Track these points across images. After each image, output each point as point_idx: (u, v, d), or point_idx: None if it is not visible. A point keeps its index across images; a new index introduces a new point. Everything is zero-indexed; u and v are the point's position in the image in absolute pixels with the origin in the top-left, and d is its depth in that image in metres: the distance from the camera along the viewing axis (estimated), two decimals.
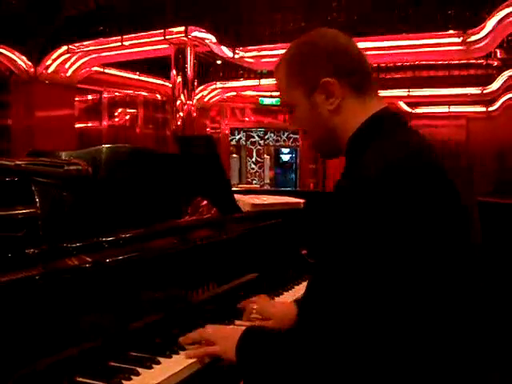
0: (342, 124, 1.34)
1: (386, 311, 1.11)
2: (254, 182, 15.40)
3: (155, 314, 1.61)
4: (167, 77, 9.78)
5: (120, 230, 1.70)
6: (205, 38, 8.53)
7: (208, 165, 2.25)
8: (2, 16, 8.37)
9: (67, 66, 9.52)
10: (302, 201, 2.68)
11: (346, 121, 1.33)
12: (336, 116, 1.34)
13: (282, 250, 2.48)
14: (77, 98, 10.79)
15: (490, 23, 7.20)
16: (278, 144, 15.84)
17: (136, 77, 11.56)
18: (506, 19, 7.06)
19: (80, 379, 1.30)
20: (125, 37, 8.61)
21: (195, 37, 8.43)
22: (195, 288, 1.80)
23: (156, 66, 11.02)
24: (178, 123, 8.98)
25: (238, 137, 15.56)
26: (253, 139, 15.71)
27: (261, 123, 15.07)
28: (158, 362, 1.41)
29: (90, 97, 11.68)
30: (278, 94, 1.45)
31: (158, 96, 12.82)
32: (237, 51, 9.08)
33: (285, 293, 2.18)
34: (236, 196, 2.36)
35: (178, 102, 8.92)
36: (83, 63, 9.63)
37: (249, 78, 11.69)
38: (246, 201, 2.38)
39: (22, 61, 9.13)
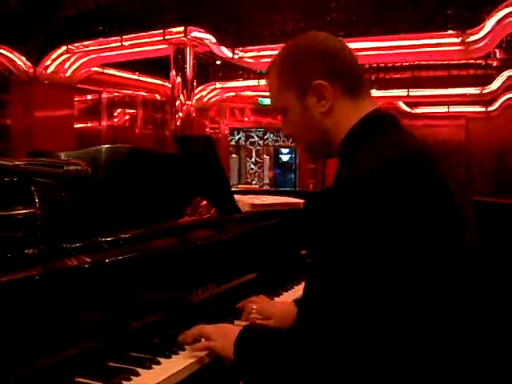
0: (334, 126, 1.34)
1: (381, 311, 1.11)
2: (254, 182, 15.40)
3: (155, 314, 1.61)
4: (166, 77, 9.78)
5: (119, 230, 1.71)
6: (204, 39, 8.53)
7: (207, 165, 2.25)
8: (1, 16, 8.37)
9: (66, 66, 9.52)
10: (301, 201, 2.68)
11: (338, 123, 1.34)
12: (328, 118, 1.34)
13: (281, 251, 2.48)
14: (76, 98, 10.79)
15: (489, 23, 7.20)
16: (277, 144, 15.83)
17: (135, 77, 11.55)
18: (505, 19, 7.06)
19: (80, 379, 1.30)
20: (124, 37, 8.61)
21: (195, 37, 8.43)
22: (195, 288, 1.80)
23: (155, 66, 11.01)
24: (178, 123, 8.98)
25: (237, 137, 15.56)
26: (252, 139, 15.71)
27: (260, 123, 15.06)
28: (158, 363, 1.41)
29: (89, 97, 11.68)
30: None
31: (158, 96, 12.82)
32: (236, 51, 9.08)
33: (284, 293, 2.18)
34: (235, 196, 2.36)
35: (178, 103, 8.92)
36: (82, 63, 9.62)
37: (248, 78, 11.68)
38: (245, 201, 2.38)
39: (21, 61, 9.12)
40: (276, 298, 2.08)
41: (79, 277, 1.40)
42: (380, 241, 1.10)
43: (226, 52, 8.98)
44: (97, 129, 11.78)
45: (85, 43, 9.06)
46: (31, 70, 9.28)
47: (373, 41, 8.04)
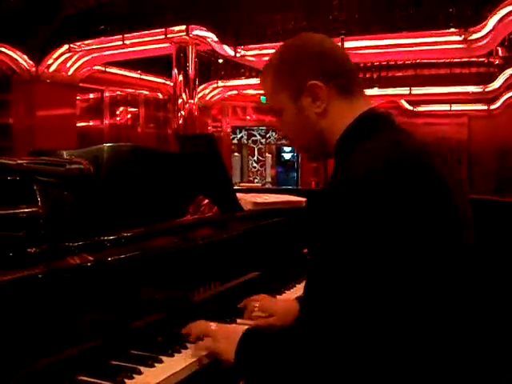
0: (329, 126, 1.35)
1: (379, 310, 1.11)
2: (256, 180, 15.39)
3: (157, 313, 1.62)
4: (169, 76, 9.76)
5: (122, 228, 1.71)
6: (206, 37, 8.51)
7: (210, 163, 2.26)
8: (2, 15, 8.36)
9: (68, 64, 9.51)
10: (303, 199, 2.68)
11: (333, 123, 1.34)
12: (323, 119, 1.34)
13: (283, 249, 2.48)
14: (78, 97, 10.79)
15: (492, 21, 7.18)
16: (279, 142, 15.82)
17: (137, 76, 11.54)
18: (508, 17, 7.04)
19: (82, 378, 1.30)
20: (126, 36, 8.60)
21: (196, 35, 8.42)
22: (197, 287, 1.80)
23: (157, 64, 11.01)
24: (180, 122, 8.97)
25: (239, 135, 15.55)
26: (254, 138, 15.70)
27: (262, 122, 15.05)
28: (161, 361, 1.41)
29: (91, 96, 11.67)
30: None
31: (160, 95, 12.81)
32: (238, 50, 9.07)
33: (286, 291, 2.18)
34: (238, 194, 2.36)
35: (180, 101, 8.91)
36: (84, 62, 9.61)
37: (250, 76, 11.67)
38: (247, 199, 2.38)
39: (23, 60, 9.11)
40: (278, 297, 2.08)
41: (81, 275, 1.40)
42: (378, 239, 1.10)
43: (227, 50, 8.96)
44: (99, 127, 11.78)
45: (86, 42, 9.05)
46: (33, 69, 9.28)
47: (374, 39, 8.02)
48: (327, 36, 1.42)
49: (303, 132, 1.39)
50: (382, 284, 1.10)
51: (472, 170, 13.56)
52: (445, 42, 7.86)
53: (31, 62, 9.23)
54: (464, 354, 1.21)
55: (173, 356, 1.45)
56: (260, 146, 15.75)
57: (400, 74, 11.60)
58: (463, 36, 7.61)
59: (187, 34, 8.28)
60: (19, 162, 1.47)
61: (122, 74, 11.20)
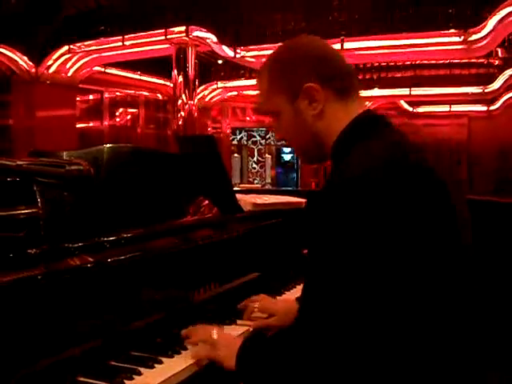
0: (325, 129, 1.35)
1: (376, 309, 1.12)
2: (256, 181, 15.39)
3: (157, 314, 1.62)
4: (168, 77, 9.76)
5: (121, 229, 1.71)
6: (206, 38, 8.51)
7: (209, 164, 2.25)
8: (2, 16, 8.36)
9: (68, 65, 9.51)
10: (303, 200, 2.68)
11: (329, 125, 1.35)
12: (319, 121, 1.35)
13: (283, 250, 2.48)
14: (78, 98, 10.79)
15: (491, 22, 7.18)
16: (279, 143, 15.80)
17: (137, 77, 11.54)
18: (507, 18, 7.04)
19: (82, 379, 1.30)
20: (126, 37, 8.59)
21: (196, 36, 8.42)
22: (197, 288, 1.80)
23: (157, 65, 11.01)
24: (180, 123, 8.97)
25: (239, 136, 15.55)
26: (254, 139, 15.70)
27: (262, 123, 15.04)
28: (160, 362, 1.41)
29: (91, 97, 11.68)
30: None
31: (160, 96, 12.81)
32: (238, 51, 9.07)
33: (286, 292, 2.18)
34: (237, 195, 2.36)
35: (180, 102, 8.91)
36: (84, 63, 9.61)
37: (250, 77, 11.67)
38: (247, 200, 2.38)
39: (23, 61, 9.11)
40: (278, 298, 2.08)
41: (81, 276, 1.40)
42: (376, 238, 1.10)
43: (227, 51, 8.97)
44: (99, 128, 11.78)
45: (86, 43, 9.05)
46: (33, 70, 9.28)
47: (374, 40, 8.02)
48: (323, 39, 1.43)
49: (300, 134, 1.39)
50: (379, 283, 1.11)
51: (472, 170, 13.57)
52: (444, 42, 7.87)
53: (31, 63, 9.23)
54: (462, 353, 1.21)
55: (172, 357, 1.45)
56: (260, 146, 15.75)
57: (400, 74, 11.61)
58: (463, 37, 7.61)
59: (187, 35, 8.28)
60: (19, 163, 1.47)
61: (121, 75, 11.20)
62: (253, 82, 11.63)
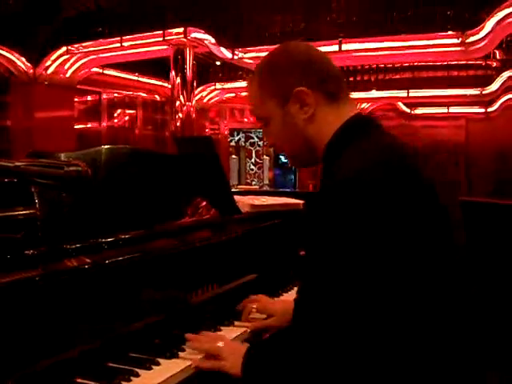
0: (316, 133, 1.36)
1: (370, 310, 1.13)
2: (254, 182, 15.38)
3: (155, 315, 1.61)
4: (166, 78, 9.77)
5: (120, 230, 1.71)
6: (204, 39, 8.52)
7: (207, 166, 2.25)
8: (1, 17, 8.36)
9: (66, 66, 9.50)
10: (301, 202, 2.68)
11: (320, 129, 1.36)
12: (310, 124, 1.36)
13: (281, 251, 2.48)
14: (76, 99, 10.78)
15: (489, 24, 7.19)
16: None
17: (135, 78, 11.53)
18: (505, 20, 7.05)
19: (80, 380, 1.30)
20: (124, 38, 8.59)
21: (194, 38, 8.42)
22: (195, 289, 1.80)
23: (155, 67, 11.00)
24: (177, 124, 8.96)
25: (237, 138, 15.55)
26: (252, 140, 15.70)
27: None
28: (158, 363, 1.41)
29: (89, 98, 11.68)
30: None
31: (157, 97, 12.80)
32: (236, 52, 9.08)
33: (284, 293, 2.18)
34: (235, 197, 2.36)
35: (177, 103, 8.90)
36: (82, 64, 9.60)
37: (248, 79, 11.67)
38: (245, 202, 2.38)
39: (21, 62, 9.10)
40: (276, 299, 2.08)
41: (79, 278, 1.40)
42: (368, 238, 1.11)
43: (225, 53, 8.97)
44: (97, 129, 11.78)
45: (84, 44, 9.04)
46: (31, 71, 9.27)
47: (373, 41, 8.03)
48: (312, 44, 1.45)
49: (291, 139, 1.40)
50: (373, 282, 1.11)
51: (470, 172, 13.57)
52: (442, 44, 7.87)
53: (29, 64, 9.22)
54: (457, 353, 1.21)
55: (170, 358, 1.45)
56: (258, 148, 15.75)
57: (398, 76, 11.61)
58: (461, 39, 7.62)
59: (185, 37, 8.28)
60: (17, 164, 1.47)
61: (119, 76, 11.19)
62: None
